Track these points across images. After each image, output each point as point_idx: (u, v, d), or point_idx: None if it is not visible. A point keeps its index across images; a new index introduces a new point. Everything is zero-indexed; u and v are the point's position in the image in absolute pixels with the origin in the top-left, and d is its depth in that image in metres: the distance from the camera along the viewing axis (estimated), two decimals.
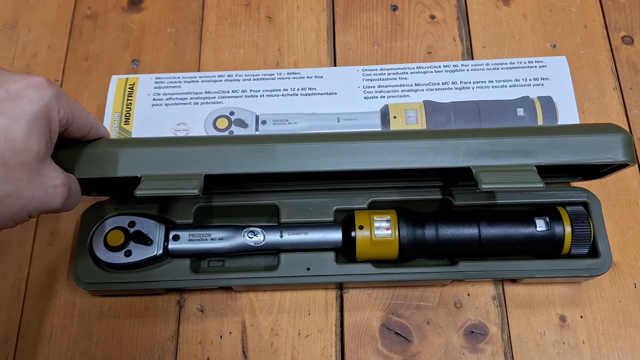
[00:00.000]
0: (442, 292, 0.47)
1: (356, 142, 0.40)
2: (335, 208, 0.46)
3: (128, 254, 0.44)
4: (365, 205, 0.46)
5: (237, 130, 0.48)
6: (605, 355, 0.45)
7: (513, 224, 0.43)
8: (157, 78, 0.50)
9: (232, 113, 0.48)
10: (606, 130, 0.40)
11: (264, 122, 0.48)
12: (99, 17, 0.59)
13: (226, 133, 0.48)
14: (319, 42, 0.57)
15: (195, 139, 0.43)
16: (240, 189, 0.47)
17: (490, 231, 0.43)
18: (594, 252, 0.44)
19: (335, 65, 0.55)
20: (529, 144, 0.39)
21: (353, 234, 0.43)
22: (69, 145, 0.39)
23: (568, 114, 0.45)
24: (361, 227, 0.43)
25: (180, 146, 0.40)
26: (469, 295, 0.47)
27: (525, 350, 0.45)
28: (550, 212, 0.44)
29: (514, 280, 0.47)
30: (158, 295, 0.47)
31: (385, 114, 0.47)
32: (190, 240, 0.44)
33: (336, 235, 0.44)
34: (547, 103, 0.45)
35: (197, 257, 0.46)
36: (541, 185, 0.38)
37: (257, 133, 0.48)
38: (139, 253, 0.44)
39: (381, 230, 0.43)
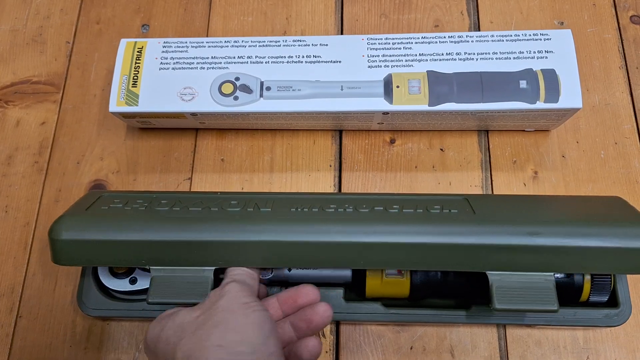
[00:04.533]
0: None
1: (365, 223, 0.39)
2: None
3: (133, 281, 0.44)
4: None
5: (242, 96, 0.48)
6: None
7: None
8: (165, 42, 0.51)
9: (237, 79, 0.49)
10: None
11: (268, 89, 0.48)
12: None
13: (231, 98, 0.48)
14: (327, 13, 0.57)
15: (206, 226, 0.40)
16: None
17: None
18: (613, 301, 0.42)
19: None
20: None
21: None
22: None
23: (570, 87, 0.45)
24: None
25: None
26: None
27: None
28: None
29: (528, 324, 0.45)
30: None
31: (388, 83, 0.47)
32: None
33: (346, 271, 0.43)
34: (550, 75, 0.45)
35: None
36: (555, 308, 0.37)
37: (262, 99, 0.48)
38: (145, 281, 0.44)
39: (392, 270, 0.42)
